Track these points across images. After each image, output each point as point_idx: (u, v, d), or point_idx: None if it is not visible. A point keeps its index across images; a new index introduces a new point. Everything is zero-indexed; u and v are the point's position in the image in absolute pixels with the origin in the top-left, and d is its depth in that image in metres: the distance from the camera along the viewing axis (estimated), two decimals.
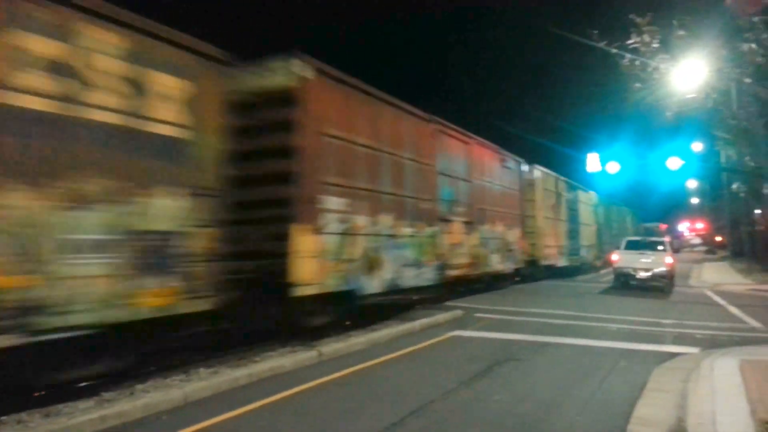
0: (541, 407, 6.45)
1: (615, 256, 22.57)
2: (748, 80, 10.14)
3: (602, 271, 33.96)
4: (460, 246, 15.75)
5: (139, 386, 6.94)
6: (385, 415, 6.16)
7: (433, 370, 8.29)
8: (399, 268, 12.22)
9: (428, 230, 13.79)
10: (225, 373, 7.47)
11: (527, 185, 23.32)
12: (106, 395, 6.55)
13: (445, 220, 14.88)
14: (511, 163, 20.81)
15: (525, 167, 23.10)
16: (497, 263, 18.78)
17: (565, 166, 31.78)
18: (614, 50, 10.31)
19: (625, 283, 21.66)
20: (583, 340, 10.61)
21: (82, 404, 6.22)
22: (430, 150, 14.19)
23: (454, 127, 15.96)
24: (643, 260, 21.49)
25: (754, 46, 9.52)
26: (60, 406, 6.12)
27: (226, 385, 7.14)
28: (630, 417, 5.96)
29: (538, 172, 24.81)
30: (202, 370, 7.72)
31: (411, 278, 12.80)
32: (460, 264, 15.58)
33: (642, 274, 21.16)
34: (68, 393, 6.42)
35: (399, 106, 12.89)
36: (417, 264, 13.17)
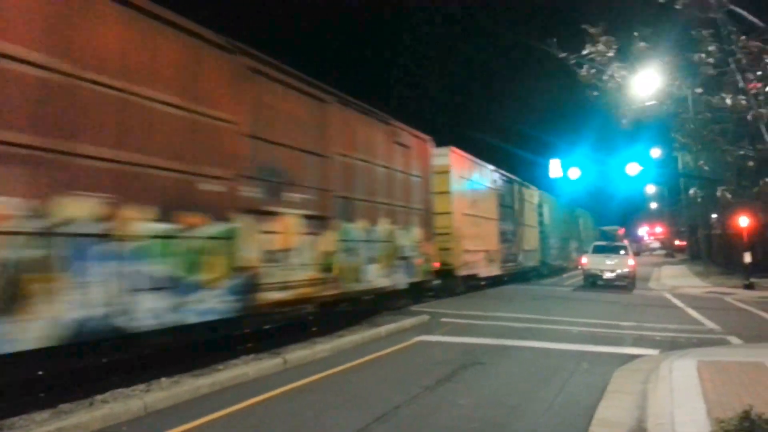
0: (504, 411, 6.50)
1: (584, 260, 26.10)
2: (699, 90, 10.46)
3: (564, 275, 34.48)
4: (297, 253, 10.02)
5: (99, 396, 6.76)
6: (350, 421, 6.13)
7: (398, 375, 8.28)
8: (122, 297, 6.68)
9: (213, 228, 8.18)
10: (187, 383, 7.33)
11: (439, 173, 17.69)
12: (63, 406, 6.35)
13: (262, 212, 9.22)
14: (408, 140, 14.86)
15: (435, 148, 17.15)
16: (378, 277, 12.83)
17: (529, 172, 32.12)
18: (572, 61, 10.50)
19: (593, 283, 24.56)
20: (546, 343, 10.74)
21: (37, 416, 6.02)
22: (224, 97, 8.59)
23: (290, 69, 10.20)
24: (609, 262, 24.61)
25: (703, 56, 9.84)
26: (14, 419, 5.91)
27: (187, 394, 7.01)
28: (592, 419, 6.05)
29: (456, 156, 19.66)
30: (163, 379, 7.55)
31: (161, 312, 7.19)
32: (292, 281, 9.82)
33: (608, 275, 24.30)
34: (22, 404, 6.22)
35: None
36: (180, 286, 7.49)
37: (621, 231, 62.10)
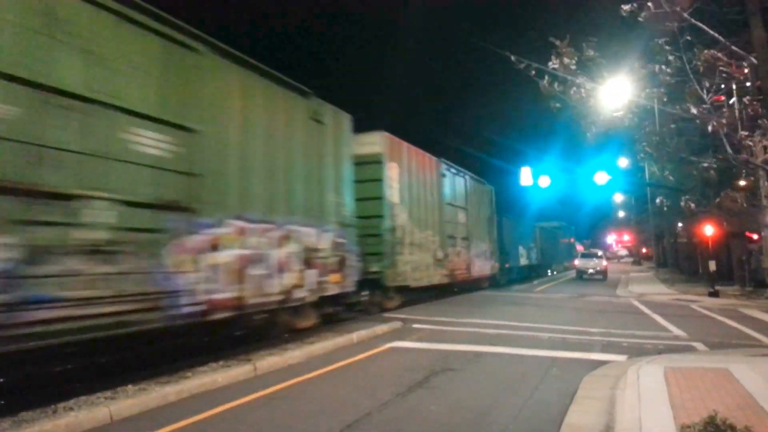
0: (475, 416, 6.52)
1: (576, 262, 42.43)
2: (663, 100, 10.73)
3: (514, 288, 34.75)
4: None
5: (62, 404, 6.59)
6: (321, 428, 6.08)
7: (369, 382, 8.25)
8: None
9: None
10: (154, 390, 7.20)
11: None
12: (24, 414, 6.18)
13: None
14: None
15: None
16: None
17: (501, 179, 32.32)
18: (532, 72, 10.66)
19: (581, 276, 39.13)
20: (516, 349, 10.82)
21: None
22: None
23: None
24: (591, 263, 40.36)
25: (663, 67, 10.11)
26: None
27: (155, 402, 6.88)
28: (561, 424, 6.10)
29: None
30: (129, 386, 7.40)
31: None
32: None
33: (591, 271, 39.54)
34: None
35: None
36: None
37: (572, 240, 64.43)
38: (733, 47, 9.89)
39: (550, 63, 10.59)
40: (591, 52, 10.28)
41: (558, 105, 11.00)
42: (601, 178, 23.14)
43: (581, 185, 26.21)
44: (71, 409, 6.40)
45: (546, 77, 10.60)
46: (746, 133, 9.96)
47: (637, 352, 10.70)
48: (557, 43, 10.37)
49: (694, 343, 12.07)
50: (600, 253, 44.20)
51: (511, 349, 10.83)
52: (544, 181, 25.23)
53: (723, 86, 10.50)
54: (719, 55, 9.52)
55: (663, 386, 7.06)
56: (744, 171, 14.00)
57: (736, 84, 10.25)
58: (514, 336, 12.48)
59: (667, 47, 9.87)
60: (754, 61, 9.87)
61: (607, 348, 11.19)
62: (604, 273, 39.35)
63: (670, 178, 22.00)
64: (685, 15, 9.54)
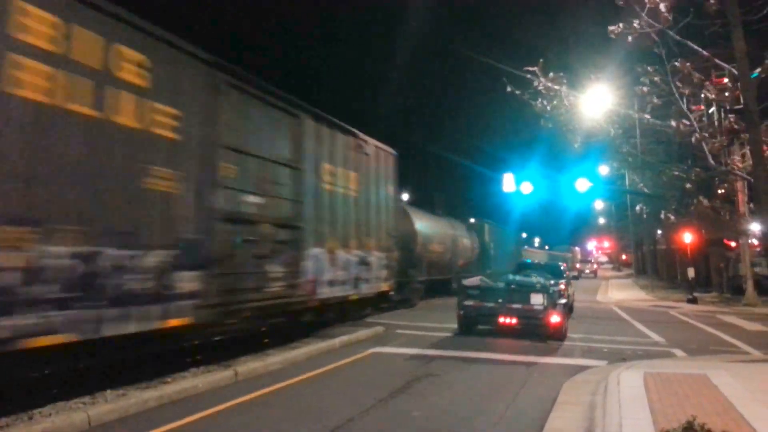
0: (457, 422, 6.52)
1: (578, 265, 59.09)
2: (647, 116, 10.98)
3: None
4: None
5: (39, 410, 6.48)
6: None
7: (352, 387, 8.23)
8: None
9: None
10: (133, 395, 7.10)
11: None
12: None
13: None
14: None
15: None
16: None
17: (485, 186, 32.46)
18: (525, 96, 11.12)
19: (576, 277, 43.04)
20: (498, 354, 10.86)
21: None
22: None
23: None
24: (586, 265, 62.98)
25: (647, 89, 10.43)
26: None
27: (134, 408, 6.79)
28: (542, 430, 6.13)
29: None
30: (108, 391, 7.30)
31: None
32: None
33: (586, 271, 57.64)
34: None
35: None
36: None
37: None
38: (716, 60, 10.10)
39: (534, 84, 11.01)
40: (592, 75, 10.75)
41: (550, 125, 11.38)
42: (583, 185, 23.32)
43: (563, 192, 26.36)
44: (48, 415, 6.30)
45: (539, 99, 10.97)
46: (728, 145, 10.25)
47: (617, 357, 10.80)
48: (534, 69, 10.85)
49: (673, 349, 12.21)
50: (592, 260, 54.95)
51: (493, 354, 10.88)
52: (527, 188, 25.32)
53: (703, 96, 10.72)
54: (700, 76, 9.81)
55: (642, 392, 7.12)
56: (722, 180, 14.29)
57: (714, 95, 10.48)
58: (496, 342, 12.52)
59: (651, 71, 10.16)
60: (735, 72, 10.06)
61: (587, 353, 11.28)
62: (594, 272, 54.81)
63: (645, 190, 22.40)
64: (671, 33, 9.75)
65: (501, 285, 13.74)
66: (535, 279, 14.19)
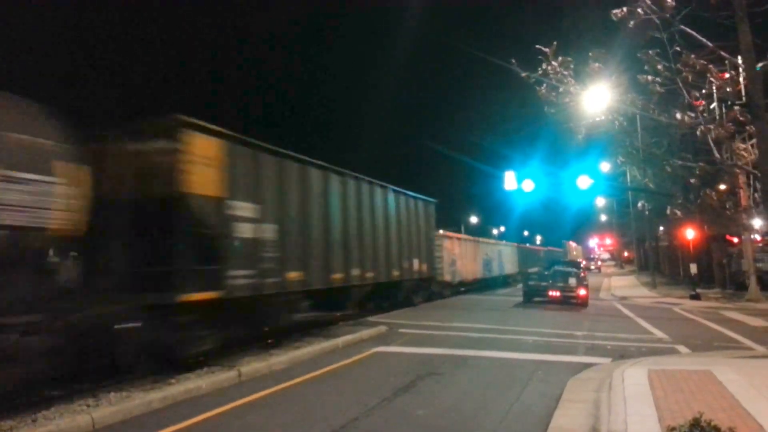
0: (462, 421, 6.51)
1: (583, 262, 47.91)
2: (652, 107, 10.87)
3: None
4: None
5: (43, 412, 6.48)
6: None
7: (356, 387, 8.21)
8: None
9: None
10: (137, 397, 7.10)
11: None
12: (3, 424, 6.07)
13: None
14: None
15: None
16: None
17: (486, 184, 32.51)
18: (532, 80, 10.88)
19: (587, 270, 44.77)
20: (502, 352, 10.84)
21: None
22: None
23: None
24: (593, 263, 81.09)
25: (650, 78, 10.29)
26: None
27: (138, 409, 6.79)
28: (547, 427, 6.11)
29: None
30: (112, 394, 7.30)
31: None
32: None
33: (592, 267, 70.81)
34: None
35: None
36: None
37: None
38: (721, 52, 10.02)
39: (540, 70, 10.79)
40: (596, 64, 10.53)
41: (552, 110, 11.22)
42: (584, 182, 23.28)
43: (564, 189, 26.31)
44: (52, 417, 6.29)
45: (544, 84, 10.82)
46: (740, 140, 10.15)
47: (621, 354, 10.77)
48: (545, 49, 10.58)
49: (677, 346, 12.18)
50: (596, 257, 65.46)
51: (497, 352, 10.85)
52: (528, 185, 25.28)
53: (704, 91, 10.64)
54: (703, 62, 9.67)
55: (647, 389, 7.10)
56: (727, 173, 14.21)
57: (717, 82, 10.37)
58: (499, 339, 12.51)
59: (657, 58, 10.02)
60: (740, 63, 10.00)
61: (591, 351, 11.26)
62: (598, 268, 72.39)
63: (650, 185, 22.31)
64: (674, 20, 9.66)
65: (548, 272, 22.47)
66: (568, 269, 22.69)
